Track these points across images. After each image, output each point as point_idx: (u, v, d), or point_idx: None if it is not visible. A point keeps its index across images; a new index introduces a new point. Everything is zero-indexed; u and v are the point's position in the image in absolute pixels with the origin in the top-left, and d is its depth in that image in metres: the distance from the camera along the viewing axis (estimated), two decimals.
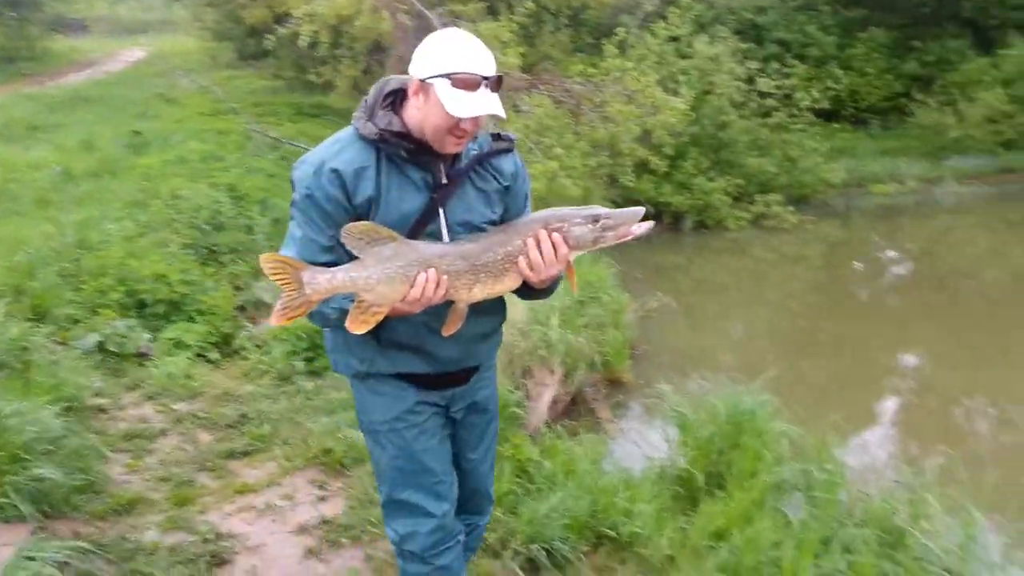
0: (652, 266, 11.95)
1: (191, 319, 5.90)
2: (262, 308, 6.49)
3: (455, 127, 1.98)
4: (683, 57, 14.33)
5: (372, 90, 2.12)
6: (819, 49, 21.91)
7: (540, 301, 4.36)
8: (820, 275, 12.31)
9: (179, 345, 5.55)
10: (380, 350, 2.18)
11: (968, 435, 6.40)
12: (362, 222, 1.97)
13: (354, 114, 2.11)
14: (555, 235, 2.02)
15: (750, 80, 14.03)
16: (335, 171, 2.01)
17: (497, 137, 2.20)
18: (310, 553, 3.35)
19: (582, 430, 4.89)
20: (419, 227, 2.06)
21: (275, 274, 1.96)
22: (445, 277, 1.96)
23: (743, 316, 9.85)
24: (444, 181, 2.08)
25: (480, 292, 2.03)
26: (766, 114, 14.41)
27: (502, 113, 1.96)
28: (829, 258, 13.25)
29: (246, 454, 4.23)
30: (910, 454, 4.74)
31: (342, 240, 1.97)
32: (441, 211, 2.08)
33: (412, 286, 1.95)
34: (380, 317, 1.98)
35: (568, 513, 3.28)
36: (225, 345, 5.86)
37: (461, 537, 2.41)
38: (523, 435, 4.03)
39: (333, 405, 4.73)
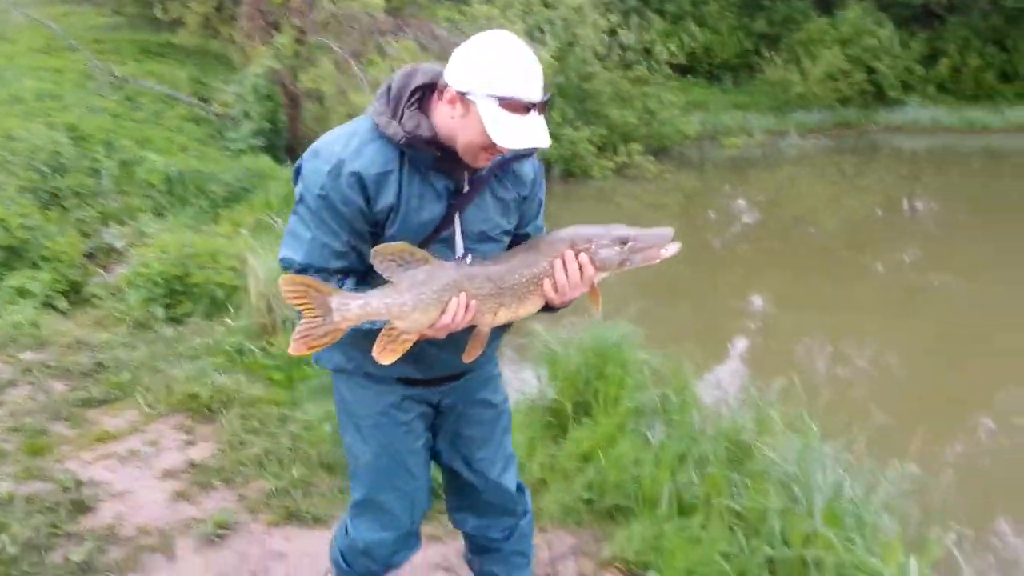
0: None
1: (35, 266, 5.50)
2: (113, 255, 6.14)
3: (491, 148, 1.79)
4: (548, 7, 14.43)
5: (396, 81, 1.87)
6: (676, 5, 22.63)
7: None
8: (679, 223, 12.93)
9: (23, 293, 5.18)
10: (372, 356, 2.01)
11: (807, 364, 7.00)
12: (395, 243, 1.79)
13: (372, 106, 1.87)
14: (582, 256, 1.87)
15: (612, 32, 14.33)
16: (355, 175, 1.80)
17: None
18: (179, 496, 3.28)
19: None
20: (433, 235, 1.89)
21: (298, 298, 1.75)
22: (474, 302, 1.82)
23: None
24: (466, 189, 1.90)
25: (504, 316, 1.89)
26: (627, 67, 14.81)
27: (548, 143, 1.78)
28: (686, 207, 13.92)
29: (105, 402, 4.04)
30: (757, 380, 5.16)
31: (372, 262, 1.78)
32: (457, 219, 1.91)
33: (444, 312, 1.80)
34: (409, 345, 1.83)
35: None
36: (74, 293, 5.52)
37: (419, 547, 2.31)
38: None
39: (197, 351, 4.58)
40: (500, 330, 2.08)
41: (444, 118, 1.80)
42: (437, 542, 3.05)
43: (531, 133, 1.75)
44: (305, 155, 1.87)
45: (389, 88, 1.87)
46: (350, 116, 9.08)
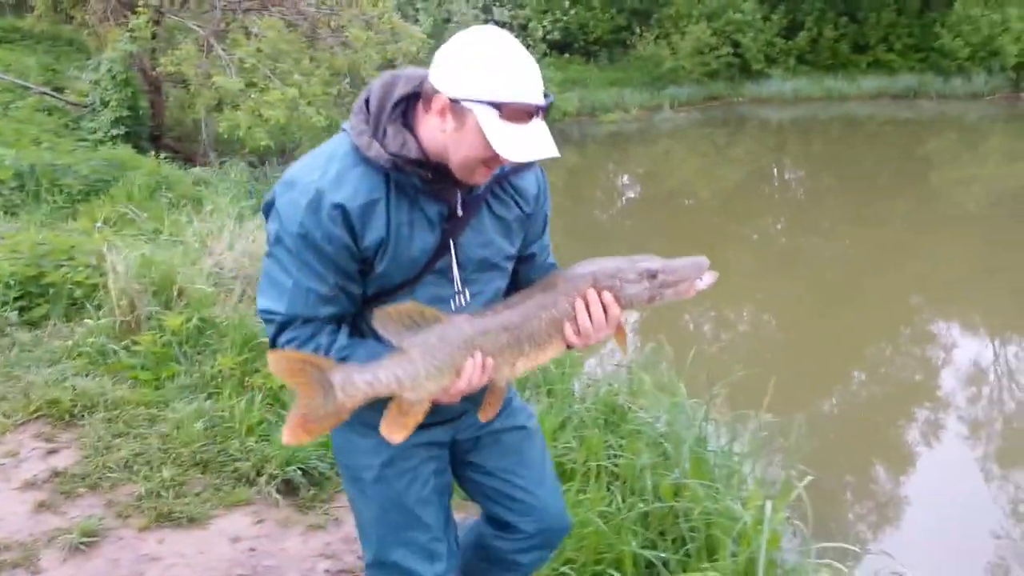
0: None
1: None
2: None
3: (490, 160, 1.56)
4: None
5: (375, 93, 1.61)
6: None
7: None
8: (563, 200, 13.14)
9: None
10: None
11: (679, 327, 7.30)
12: (404, 304, 1.56)
13: (349, 122, 1.63)
14: (606, 295, 1.65)
15: (486, 9, 14.33)
16: (339, 207, 1.55)
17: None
18: (42, 507, 3.11)
19: None
20: (427, 268, 1.67)
21: (293, 376, 1.52)
22: (491, 359, 1.61)
23: None
24: (460, 212, 1.67)
25: (523, 366, 1.68)
26: None
27: (556, 152, 1.53)
28: (569, 182, 14.16)
29: None
30: (634, 346, 5.36)
31: (376, 326, 1.56)
32: (452, 245, 1.67)
33: (459, 376, 1.58)
34: (421, 418, 1.61)
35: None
36: None
37: None
38: None
39: (56, 354, 4.33)
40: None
41: (433, 132, 1.57)
42: (320, 531, 3.03)
43: (538, 142, 1.53)
44: (277, 187, 1.61)
45: (367, 101, 1.62)
46: (217, 101, 8.70)
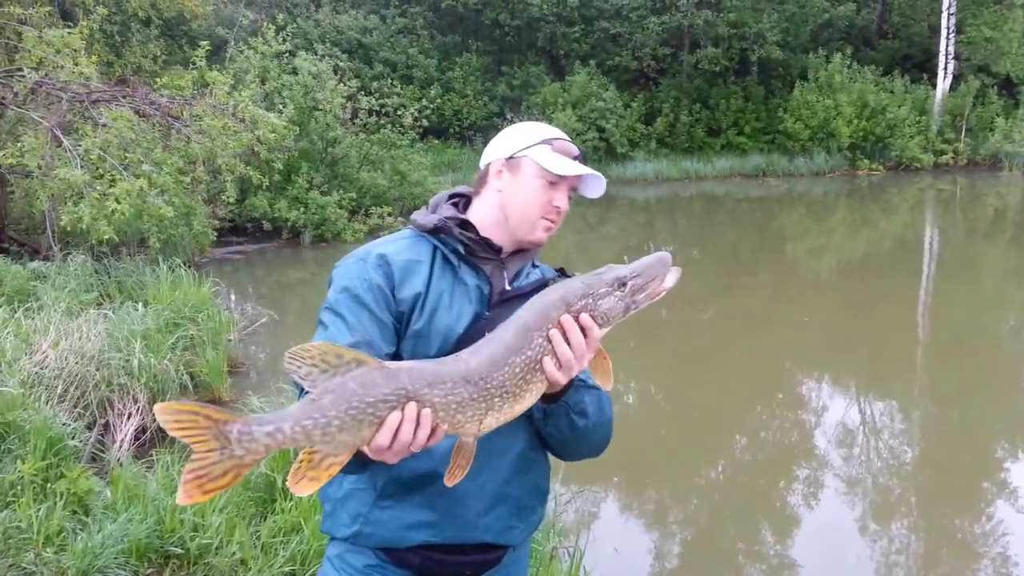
0: (274, 283, 11.75)
1: None
2: None
3: (548, 206, 1.69)
4: (285, 73, 14.34)
5: (433, 198, 1.83)
6: (423, 71, 23.47)
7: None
8: None
9: None
10: (375, 498, 1.65)
11: None
12: (317, 343, 1.38)
13: (411, 216, 1.78)
14: (583, 316, 1.51)
15: (352, 98, 14.49)
16: (382, 256, 1.65)
17: (562, 272, 1.82)
18: None
19: (177, 456, 4.60)
20: (458, 347, 1.58)
21: (183, 429, 1.32)
22: (427, 411, 1.40)
23: None
24: (500, 295, 1.70)
25: (494, 420, 1.49)
26: (374, 131, 15.01)
27: (603, 187, 1.73)
28: None
29: None
30: None
31: (286, 367, 1.38)
32: (486, 318, 1.66)
33: (379, 429, 1.39)
34: (337, 470, 1.40)
35: (128, 538, 3.04)
36: None
37: None
38: (80, 468, 3.65)
39: None
40: (545, 490, 1.80)
41: (487, 202, 1.74)
42: None
43: (588, 169, 1.72)
44: (337, 267, 1.72)
45: (426, 203, 1.82)
46: (66, 191, 8.16)
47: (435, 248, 1.70)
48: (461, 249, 1.68)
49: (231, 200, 10.59)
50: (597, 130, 21.59)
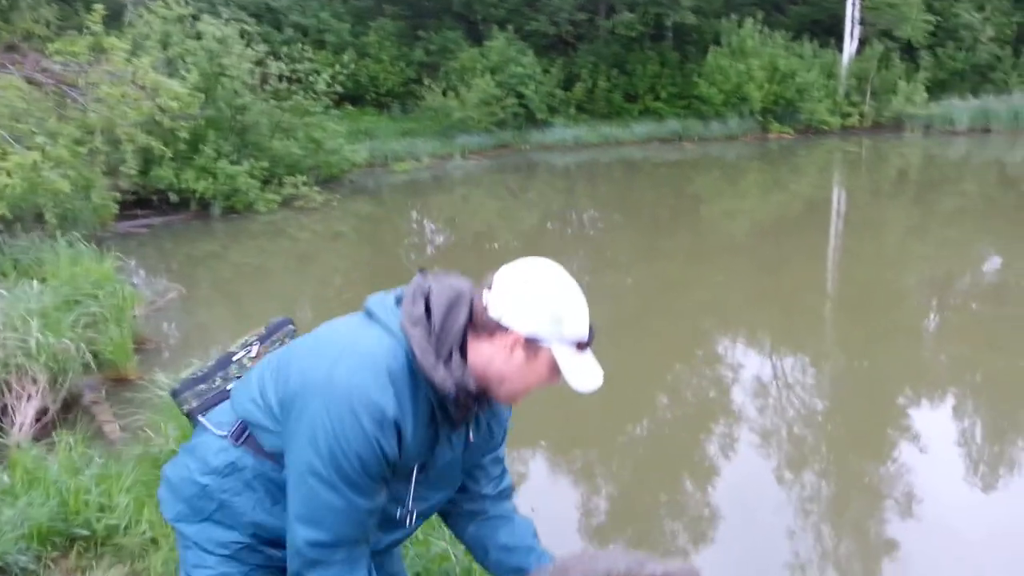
0: (183, 257, 11.30)
1: None
2: None
3: (543, 386, 1.62)
4: (189, 38, 13.69)
5: (438, 307, 1.54)
6: (335, 35, 22.82)
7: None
8: (363, 249, 12.89)
9: None
10: (250, 542, 1.61)
11: None
12: None
13: (405, 328, 1.52)
14: None
15: (261, 63, 13.97)
16: (396, 424, 1.49)
17: None
18: None
19: (80, 436, 4.39)
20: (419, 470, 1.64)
21: None
22: None
23: (284, 295, 9.81)
24: (471, 437, 1.70)
25: None
26: (285, 98, 14.53)
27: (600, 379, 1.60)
28: (369, 231, 13.95)
29: None
30: None
31: None
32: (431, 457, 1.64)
33: None
34: None
35: (28, 523, 2.88)
36: None
37: None
38: None
39: None
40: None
41: (485, 360, 1.55)
42: None
43: (596, 370, 1.61)
44: (320, 390, 1.48)
45: (428, 312, 1.54)
46: None
47: (429, 399, 1.55)
48: (455, 411, 1.57)
49: (133, 172, 10.09)
50: (516, 96, 21.44)
